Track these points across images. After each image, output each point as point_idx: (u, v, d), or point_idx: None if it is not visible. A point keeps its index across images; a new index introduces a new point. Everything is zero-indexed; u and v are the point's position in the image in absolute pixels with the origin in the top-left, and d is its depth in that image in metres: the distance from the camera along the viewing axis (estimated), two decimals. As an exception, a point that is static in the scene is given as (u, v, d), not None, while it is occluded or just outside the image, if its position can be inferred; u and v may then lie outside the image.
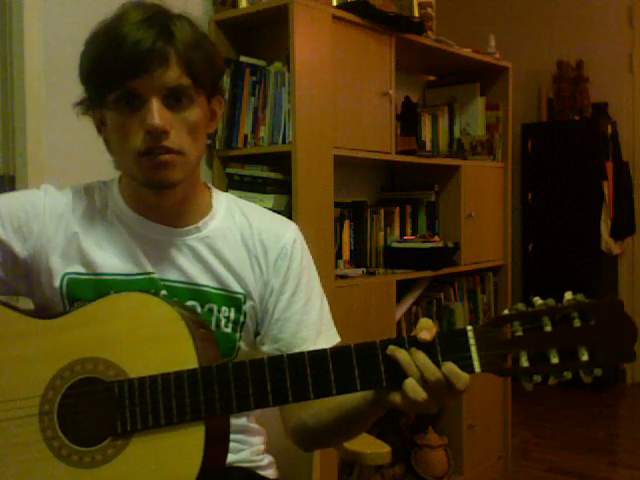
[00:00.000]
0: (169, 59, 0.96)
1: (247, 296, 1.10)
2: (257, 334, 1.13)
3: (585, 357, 0.82)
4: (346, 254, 2.50)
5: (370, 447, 1.31)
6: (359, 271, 2.43)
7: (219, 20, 2.29)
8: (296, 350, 1.07)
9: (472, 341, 0.85)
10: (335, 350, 0.88)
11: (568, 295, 0.84)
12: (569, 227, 4.26)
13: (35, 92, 1.89)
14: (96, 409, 0.92)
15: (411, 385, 0.85)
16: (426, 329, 0.86)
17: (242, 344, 1.11)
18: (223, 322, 1.08)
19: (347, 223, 2.52)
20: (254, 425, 1.20)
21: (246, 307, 1.10)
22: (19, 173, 1.91)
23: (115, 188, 1.11)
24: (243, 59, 2.24)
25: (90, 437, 0.92)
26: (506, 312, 0.85)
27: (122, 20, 0.97)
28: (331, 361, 0.87)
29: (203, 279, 1.08)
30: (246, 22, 2.30)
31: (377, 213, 2.67)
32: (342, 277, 2.32)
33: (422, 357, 0.85)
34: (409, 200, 2.84)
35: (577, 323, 0.82)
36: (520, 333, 0.83)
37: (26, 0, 1.87)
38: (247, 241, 1.11)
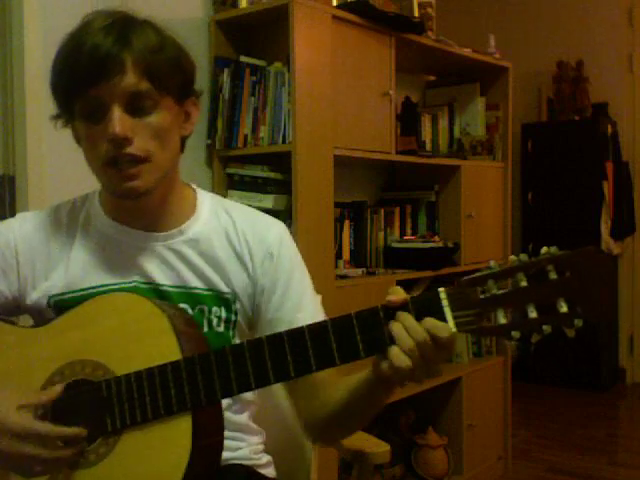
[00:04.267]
0: (125, 65, 0.96)
1: (236, 296, 1.10)
2: (251, 329, 1.14)
3: (564, 309, 0.80)
4: (346, 254, 2.50)
5: (369, 446, 1.31)
6: (359, 271, 2.43)
7: (219, 20, 2.29)
8: None
9: (445, 302, 0.84)
10: (312, 326, 0.88)
11: (544, 249, 0.82)
12: (569, 227, 4.26)
13: (35, 92, 1.89)
14: (87, 410, 0.94)
15: (395, 352, 0.84)
16: (394, 292, 0.86)
17: (237, 341, 1.11)
18: (215, 322, 1.09)
19: (347, 223, 2.52)
20: (254, 425, 1.20)
21: (236, 306, 1.10)
22: (19, 173, 1.91)
23: (96, 200, 1.12)
24: (243, 59, 2.24)
25: None
26: (480, 272, 0.84)
27: (85, 28, 0.98)
28: (309, 338, 0.88)
29: (191, 281, 1.08)
30: (246, 22, 2.30)
31: (377, 213, 2.67)
32: (342, 277, 2.32)
33: (408, 319, 0.84)
34: (409, 200, 2.84)
35: (553, 276, 0.80)
36: (495, 291, 0.82)
37: (26, 0, 1.87)
38: (233, 241, 1.11)
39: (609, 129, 4.27)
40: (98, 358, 0.95)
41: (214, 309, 1.08)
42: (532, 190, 4.45)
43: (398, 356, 0.84)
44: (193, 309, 1.07)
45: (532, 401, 4.04)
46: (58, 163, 1.93)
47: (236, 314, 1.10)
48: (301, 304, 1.12)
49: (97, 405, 0.93)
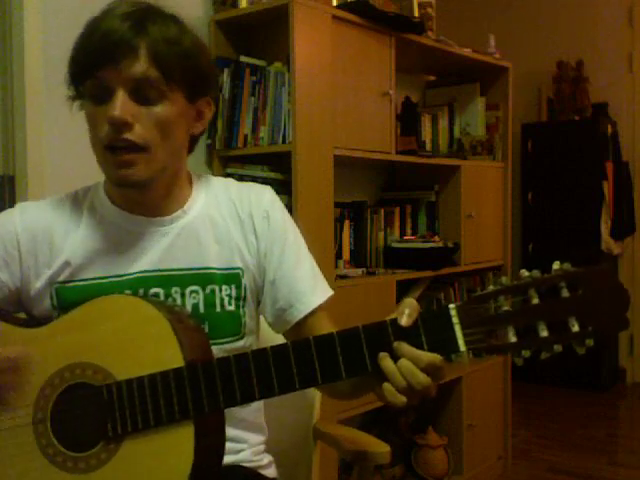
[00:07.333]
0: (137, 51, 0.96)
1: (245, 269, 1.10)
2: (259, 304, 1.14)
3: (576, 328, 0.79)
4: (346, 254, 2.50)
5: (370, 447, 1.30)
6: (359, 271, 2.43)
7: (219, 20, 2.29)
8: (296, 306, 1.10)
9: (455, 319, 0.82)
10: (319, 338, 0.88)
11: (556, 265, 0.81)
12: (569, 227, 4.26)
13: (35, 92, 1.89)
14: (87, 414, 0.93)
15: (389, 390, 0.85)
16: (407, 315, 0.85)
17: (247, 319, 1.11)
18: (226, 300, 1.08)
19: (347, 223, 2.52)
20: (256, 420, 1.19)
21: (245, 280, 1.10)
22: (19, 173, 1.91)
23: (101, 189, 1.12)
24: (243, 59, 2.24)
25: (83, 442, 0.93)
26: (491, 287, 0.83)
27: (105, 13, 0.99)
28: (315, 349, 0.87)
29: (202, 259, 1.08)
30: (246, 22, 2.30)
31: (377, 213, 2.67)
32: (342, 277, 2.32)
33: (408, 365, 0.84)
34: (409, 200, 2.84)
35: (565, 293, 0.79)
36: (506, 307, 0.81)
37: (26, 0, 1.87)
38: (234, 210, 1.12)
39: (609, 129, 4.27)
40: (98, 362, 0.94)
41: (224, 287, 1.08)
42: (532, 190, 4.45)
43: (391, 393, 0.85)
44: (204, 290, 1.07)
45: (532, 401, 4.04)
46: (58, 163, 1.93)
47: (245, 289, 1.10)
48: (299, 261, 1.13)
49: (98, 409, 0.92)
